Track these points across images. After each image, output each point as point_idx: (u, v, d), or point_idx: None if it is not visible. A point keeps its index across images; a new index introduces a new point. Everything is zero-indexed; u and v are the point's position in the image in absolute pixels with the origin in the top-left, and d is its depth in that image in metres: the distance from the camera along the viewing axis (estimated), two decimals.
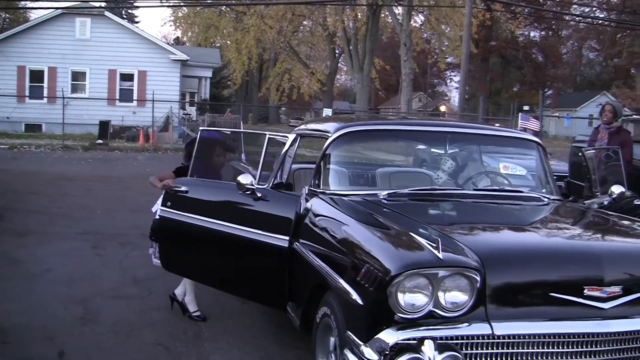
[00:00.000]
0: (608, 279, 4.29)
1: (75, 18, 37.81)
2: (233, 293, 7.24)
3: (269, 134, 6.81)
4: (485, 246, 4.52)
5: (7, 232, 11.50)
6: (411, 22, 43.02)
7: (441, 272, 4.03)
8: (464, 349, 4.04)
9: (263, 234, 6.09)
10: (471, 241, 4.55)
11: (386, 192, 5.84)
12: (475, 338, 4.07)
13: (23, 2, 60.64)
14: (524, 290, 4.31)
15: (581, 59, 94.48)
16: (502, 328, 4.10)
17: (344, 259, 4.80)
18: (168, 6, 57.61)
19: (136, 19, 74.15)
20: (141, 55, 38.59)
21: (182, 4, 59.02)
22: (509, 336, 4.10)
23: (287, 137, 6.75)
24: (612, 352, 4.25)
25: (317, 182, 6.15)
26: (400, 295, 4.02)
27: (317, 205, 5.79)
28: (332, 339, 4.86)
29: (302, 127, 7.51)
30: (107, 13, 39.17)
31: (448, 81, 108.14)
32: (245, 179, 6.18)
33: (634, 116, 47.26)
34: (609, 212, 6.12)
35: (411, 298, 4.04)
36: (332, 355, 4.89)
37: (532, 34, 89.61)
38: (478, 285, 4.07)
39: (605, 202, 6.70)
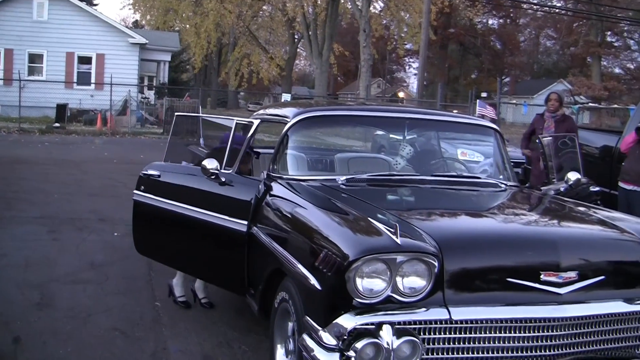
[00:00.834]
0: (564, 265, 4.33)
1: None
2: (199, 277, 7.23)
3: (237, 120, 6.81)
4: (443, 232, 4.53)
5: None
6: (370, 9, 42.95)
7: (399, 258, 4.03)
8: (421, 333, 4.05)
9: (227, 218, 6.07)
10: (429, 227, 4.56)
11: (344, 177, 5.84)
12: (433, 323, 4.08)
13: None
14: (481, 276, 4.33)
15: (538, 47, 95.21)
16: (460, 313, 4.11)
17: (302, 244, 4.80)
18: None
19: (95, 2, 73.12)
20: (99, 38, 38.12)
21: None
22: (466, 321, 4.11)
23: (252, 122, 6.72)
24: (568, 337, 4.28)
25: (275, 167, 6.14)
26: (358, 280, 4.01)
27: (275, 190, 5.78)
28: (291, 324, 4.85)
29: (261, 111, 7.49)
30: None
31: (407, 67, 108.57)
32: (210, 163, 6.15)
33: (590, 104, 47.81)
34: (565, 199, 6.17)
35: (369, 283, 4.04)
36: (291, 340, 4.90)
37: (490, 21, 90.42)
38: (436, 270, 4.08)
39: (562, 189, 6.76)
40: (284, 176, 5.96)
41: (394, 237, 4.06)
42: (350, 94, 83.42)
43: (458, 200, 5.88)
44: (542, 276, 4.28)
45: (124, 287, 7.84)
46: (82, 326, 6.60)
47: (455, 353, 4.13)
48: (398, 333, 3.97)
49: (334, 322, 4.07)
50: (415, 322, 4.05)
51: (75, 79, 37.77)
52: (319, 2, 48.76)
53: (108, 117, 32.65)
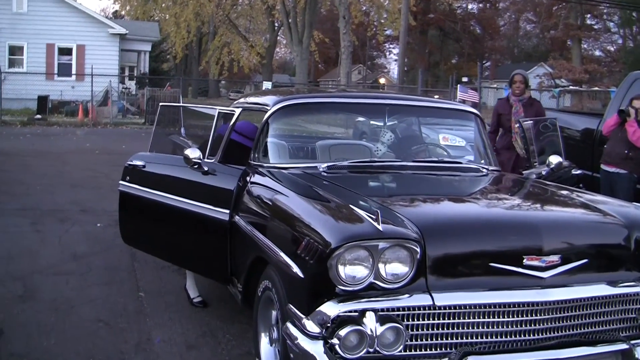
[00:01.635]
0: (547, 249, 4.32)
1: None
2: (184, 267, 7.25)
3: (219, 109, 6.80)
4: (425, 217, 4.52)
5: None
6: None
7: (381, 244, 4.02)
8: (405, 320, 4.04)
9: (210, 207, 6.07)
10: (411, 213, 4.54)
11: (326, 164, 5.82)
12: (416, 309, 4.06)
13: None
14: (464, 261, 4.32)
15: (518, 31, 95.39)
16: (443, 298, 4.10)
17: (284, 232, 4.77)
18: None
19: None
20: (79, 29, 38.01)
21: None
22: (449, 306, 4.10)
23: (235, 111, 6.70)
24: (552, 321, 4.28)
25: (256, 155, 6.11)
26: (340, 268, 4.00)
27: (256, 178, 5.76)
28: (274, 313, 4.84)
29: (242, 100, 7.47)
30: None
31: (387, 54, 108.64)
32: (193, 153, 6.13)
33: (571, 87, 47.96)
34: (547, 182, 6.18)
35: (352, 270, 4.02)
36: (274, 328, 4.89)
37: (469, 6, 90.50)
38: (418, 256, 4.07)
39: (544, 172, 6.76)
40: (265, 164, 5.94)
41: (375, 223, 4.04)
42: (331, 81, 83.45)
43: (440, 186, 5.87)
44: (524, 260, 4.27)
45: (107, 278, 7.81)
46: (66, 318, 6.56)
47: (439, 339, 4.12)
48: (381, 320, 3.96)
49: (317, 310, 4.05)
50: (398, 309, 4.04)
51: (56, 71, 37.63)
52: None
53: (89, 108, 32.52)
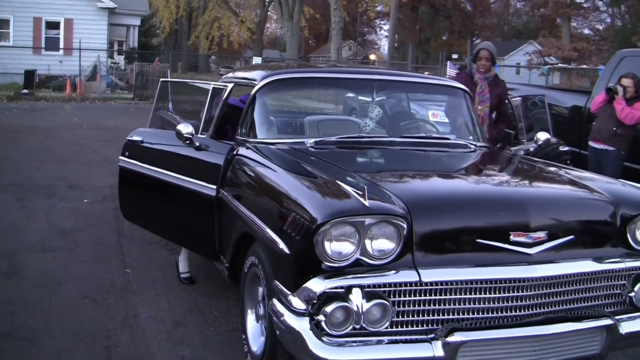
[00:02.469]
0: (533, 225, 4.32)
1: None
2: (175, 242, 7.27)
3: (214, 84, 6.78)
4: (412, 193, 4.51)
5: None
6: None
7: (368, 220, 4.01)
8: (391, 296, 4.04)
9: (200, 183, 6.07)
10: (398, 188, 4.53)
11: (313, 140, 5.79)
12: (403, 285, 4.06)
13: None
14: (451, 237, 4.31)
15: (509, 9, 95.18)
16: (429, 275, 4.09)
17: (271, 208, 4.76)
18: None
19: None
20: (67, 2, 37.57)
21: None
22: (436, 283, 4.10)
23: (227, 86, 6.67)
24: (538, 297, 4.29)
25: (244, 130, 6.09)
26: (326, 244, 3.99)
27: (243, 153, 5.73)
28: (261, 289, 4.84)
29: (231, 75, 7.43)
30: None
31: (378, 30, 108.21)
32: (185, 128, 6.12)
33: (560, 65, 47.97)
34: (535, 159, 6.18)
35: (338, 246, 4.01)
36: (261, 305, 4.89)
37: None
38: (405, 232, 4.06)
39: (531, 149, 6.78)
40: (252, 140, 5.91)
41: (362, 199, 4.03)
42: (321, 56, 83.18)
43: (427, 162, 5.86)
44: (511, 237, 4.27)
45: (94, 254, 7.79)
46: (52, 295, 6.54)
47: (425, 315, 4.12)
48: (368, 296, 3.96)
49: (303, 286, 4.04)
50: (384, 285, 4.03)
51: (43, 45, 37.26)
52: None
53: (77, 83, 32.23)
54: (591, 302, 4.52)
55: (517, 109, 7.65)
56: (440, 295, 4.13)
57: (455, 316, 4.17)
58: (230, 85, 6.65)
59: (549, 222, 4.43)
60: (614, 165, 9.40)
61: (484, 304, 4.20)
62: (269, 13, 67.93)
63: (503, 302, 4.23)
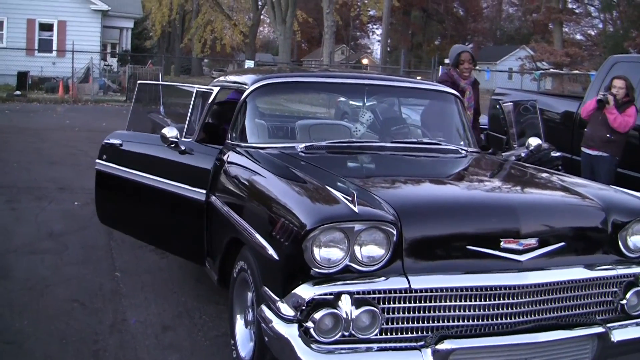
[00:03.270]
0: (524, 231, 4.30)
1: None
2: (161, 248, 7.23)
3: (197, 88, 6.75)
4: (402, 199, 4.48)
5: None
6: None
7: (357, 226, 3.98)
8: (381, 303, 4.01)
9: (186, 187, 6.05)
10: (388, 194, 4.51)
11: (304, 144, 5.76)
12: (393, 292, 4.03)
13: None
14: (441, 244, 4.29)
15: (501, 14, 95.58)
16: (419, 281, 4.07)
17: (260, 213, 4.74)
18: None
19: None
20: (61, 4, 37.55)
21: None
22: (426, 290, 4.07)
23: (212, 89, 6.66)
24: (529, 304, 4.27)
25: (234, 134, 6.07)
26: (315, 250, 3.96)
27: (233, 158, 5.70)
28: (250, 294, 4.81)
29: (222, 78, 7.42)
30: None
31: (370, 34, 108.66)
32: (170, 131, 6.12)
33: (552, 70, 48.09)
34: (526, 164, 6.17)
35: (327, 252, 3.98)
36: (250, 310, 4.86)
37: None
38: (394, 239, 4.04)
39: (523, 154, 6.75)
40: (243, 144, 5.89)
41: (351, 205, 4.00)
42: (314, 60, 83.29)
43: (418, 167, 5.84)
44: (502, 243, 4.25)
45: (83, 257, 7.73)
46: (40, 297, 6.49)
47: (415, 322, 4.09)
48: (357, 303, 3.93)
49: (292, 292, 4.01)
50: (374, 292, 4.00)
51: (36, 46, 37.23)
52: None
53: (70, 85, 32.19)
54: (582, 309, 4.49)
55: (508, 114, 7.62)
56: (430, 302, 4.10)
57: (445, 323, 4.14)
58: (216, 89, 6.62)
59: (540, 228, 4.42)
60: (608, 171, 9.40)
61: (474, 311, 4.18)
62: (261, 17, 68.03)
63: (493, 310, 4.20)
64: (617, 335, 4.46)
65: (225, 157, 5.81)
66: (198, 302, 6.55)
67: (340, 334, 3.93)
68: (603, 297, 4.57)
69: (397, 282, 4.04)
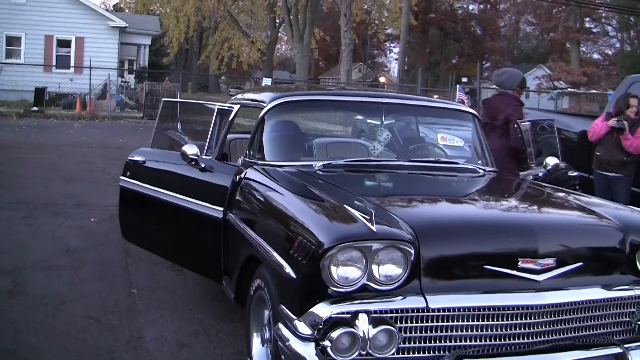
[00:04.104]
0: (542, 251, 4.29)
1: None
2: (179, 264, 7.26)
3: (219, 105, 6.79)
4: (420, 218, 4.48)
5: None
6: None
7: (375, 245, 3.98)
8: (398, 322, 3.99)
9: (205, 205, 6.07)
10: (405, 213, 4.51)
11: (321, 163, 5.78)
12: (410, 311, 4.02)
13: None
14: (459, 263, 4.28)
15: (518, 33, 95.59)
16: (437, 301, 4.06)
17: (277, 231, 4.74)
18: None
19: None
20: (79, 21, 37.89)
21: None
22: (443, 309, 4.06)
23: (233, 107, 6.68)
24: (546, 324, 4.25)
25: (252, 152, 6.08)
26: (333, 269, 3.95)
27: (251, 176, 5.71)
28: (266, 313, 4.79)
29: (240, 96, 7.44)
30: None
31: (388, 52, 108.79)
32: (190, 149, 6.14)
33: (569, 89, 48.02)
34: (544, 184, 6.15)
35: (344, 271, 3.98)
36: (266, 329, 4.84)
37: (470, 7, 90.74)
38: (412, 258, 4.03)
39: (540, 174, 6.74)
40: (260, 162, 5.90)
41: (369, 224, 4.00)
42: (331, 78, 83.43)
43: (435, 186, 5.83)
44: (519, 263, 4.24)
45: (99, 273, 7.74)
46: (56, 314, 6.50)
47: (432, 342, 4.08)
48: (374, 322, 3.91)
49: (309, 311, 4.00)
50: (391, 311, 3.99)
51: (54, 62, 37.56)
52: None
53: (87, 101, 32.38)
54: (600, 330, 4.46)
55: (526, 133, 7.60)
56: (448, 321, 4.08)
57: (463, 343, 4.12)
58: (236, 107, 6.64)
59: (558, 248, 4.40)
60: (625, 190, 9.41)
61: (492, 331, 4.16)
62: (279, 34, 68.25)
63: (511, 330, 4.18)
64: (635, 356, 4.41)
65: (243, 175, 5.82)
66: (214, 320, 6.55)
67: (357, 353, 3.90)
68: (621, 318, 4.53)
69: (414, 302, 4.03)
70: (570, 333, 4.36)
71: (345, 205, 4.41)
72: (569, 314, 4.34)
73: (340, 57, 44.62)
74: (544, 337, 4.26)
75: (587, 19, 74.81)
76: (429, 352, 4.08)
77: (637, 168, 9.56)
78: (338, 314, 3.93)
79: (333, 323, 3.92)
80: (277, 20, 63.18)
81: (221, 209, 5.87)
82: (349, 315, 3.93)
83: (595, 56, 79.36)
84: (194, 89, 64.61)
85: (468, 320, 4.12)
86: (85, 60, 35.46)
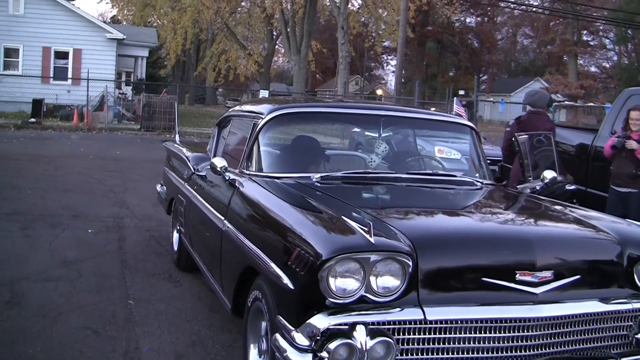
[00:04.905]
0: (540, 264, 4.30)
1: None
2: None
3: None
4: (418, 230, 4.49)
5: None
6: (349, 6, 42.95)
7: (373, 257, 3.98)
8: (396, 334, 4.00)
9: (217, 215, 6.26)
10: (403, 225, 4.52)
11: (319, 175, 5.79)
12: (408, 323, 4.02)
13: None
14: (456, 275, 4.28)
15: (515, 45, 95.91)
16: (434, 313, 4.06)
17: (275, 243, 4.73)
18: None
19: None
20: (77, 33, 37.89)
21: None
22: (441, 321, 4.07)
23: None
24: (544, 337, 4.26)
25: (249, 163, 6.09)
26: (331, 280, 3.95)
27: (248, 187, 5.72)
28: (264, 324, 4.80)
29: (237, 108, 7.46)
30: None
31: (385, 65, 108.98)
32: (220, 162, 6.19)
33: (566, 102, 48.11)
34: (541, 197, 6.17)
35: (342, 283, 3.98)
36: (264, 340, 4.84)
37: (467, 19, 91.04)
38: (410, 270, 4.03)
39: (538, 187, 6.75)
40: (258, 173, 5.91)
41: (367, 236, 4.01)
42: (328, 91, 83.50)
43: (433, 199, 5.85)
44: (517, 276, 4.25)
45: (96, 284, 7.73)
46: (53, 325, 6.48)
47: (430, 354, 4.08)
48: (372, 333, 3.91)
49: (307, 322, 4.01)
50: (389, 323, 4.00)
51: (51, 74, 37.51)
52: None
53: (85, 113, 32.37)
54: (597, 343, 4.48)
55: (523, 145, 7.63)
56: (445, 333, 4.09)
57: (460, 355, 4.13)
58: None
59: (555, 261, 4.41)
60: (638, 205, 9.37)
61: (489, 343, 4.16)
62: (276, 46, 68.32)
63: (508, 342, 4.19)
64: None
65: (240, 186, 5.83)
66: (211, 331, 6.54)
67: None
68: (618, 331, 4.54)
69: (412, 313, 4.04)
70: (568, 346, 4.37)
71: (343, 217, 4.41)
72: (566, 327, 4.36)
73: (338, 69, 44.63)
74: (542, 349, 4.27)
75: (585, 31, 75.16)
76: None
77: None
78: (336, 325, 3.93)
79: (331, 334, 3.92)
80: (275, 33, 63.23)
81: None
82: (347, 327, 3.93)
83: (593, 69, 79.73)
84: (191, 101, 64.69)
85: (465, 333, 4.12)
86: (82, 72, 35.45)
